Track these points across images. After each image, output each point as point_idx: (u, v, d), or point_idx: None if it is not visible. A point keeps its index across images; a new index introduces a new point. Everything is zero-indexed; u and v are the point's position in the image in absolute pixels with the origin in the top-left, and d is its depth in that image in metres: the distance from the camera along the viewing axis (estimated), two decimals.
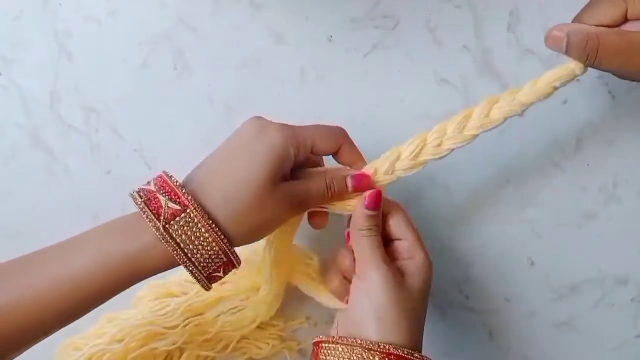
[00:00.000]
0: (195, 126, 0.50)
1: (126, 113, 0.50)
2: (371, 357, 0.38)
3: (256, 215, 0.38)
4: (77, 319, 0.38)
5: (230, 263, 0.39)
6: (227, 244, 0.38)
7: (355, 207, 0.42)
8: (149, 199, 0.37)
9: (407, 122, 0.50)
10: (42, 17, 0.50)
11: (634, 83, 0.49)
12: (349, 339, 0.39)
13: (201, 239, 0.37)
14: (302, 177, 0.41)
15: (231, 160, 0.39)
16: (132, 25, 0.50)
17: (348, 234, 0.43)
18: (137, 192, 0.38)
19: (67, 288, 0.36)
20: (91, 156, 0.50)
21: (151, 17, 0.50)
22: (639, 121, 0.50)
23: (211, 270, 0.38)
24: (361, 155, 0.43)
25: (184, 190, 0.37)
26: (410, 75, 0.50)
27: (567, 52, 0.40)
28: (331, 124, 0.43)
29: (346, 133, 0.43)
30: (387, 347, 0.38)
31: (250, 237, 0.39)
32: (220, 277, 0.39)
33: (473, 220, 0.51)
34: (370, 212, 0.41)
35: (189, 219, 0.37)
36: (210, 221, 0.37)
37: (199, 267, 0.38)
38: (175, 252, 0.37)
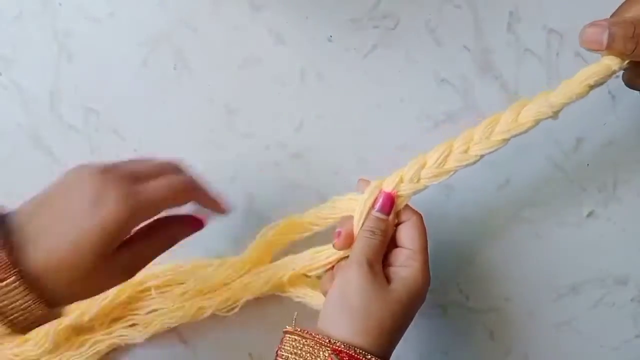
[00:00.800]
0: (195, 126, 0.50)
1: (126, 113, 0.50)
2: (320, 352, 0.37)
3: (81, 286, 0.36)
4: None
5: (51, 319, 0.36)
6: (46, 310, 0.35)
7: (365, 204, 0.42)
8: None
9: (407, 122, 0.50)
10: (42, 17, 0.50)
11: None
12: (306, 332, 0.38)
13: (21, 307, 0.34)
14: (141, 235, 0.39)
15: (61, 224, 0.35)
16: (132, 25, 0.50)
17: (338, 232, 0.42)
18: None
19: None
20: (91, 156, 0.50)
21: (151, 17, 0.50)
22: (639, 121, 0.50)
23: (29, 325, 0.35)
24: (215, 201, 0.42)
25: (6, 257, 0.33)
26: (410, 75, 0.50)
27: (610, 46, 0.37)
28: (180, 176, 0.40)
29: (193, 182, 0.40)
30: (337, 343, 0.37)
31: (71, 302, 0.37)
32: (38, 326, 0.36)
33: (473, 220, 0.51)
34: (380, 215, 0.41)
35: (8, 290, 0.33)
36: (30, 290, 0.34)
37: (17, 327, 0.35)
38: None
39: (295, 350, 0.38)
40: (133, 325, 0.48)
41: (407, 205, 0.43)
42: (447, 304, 0.52)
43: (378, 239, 0.41)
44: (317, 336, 0.37)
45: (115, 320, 0.48)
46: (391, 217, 0.42)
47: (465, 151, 0.41)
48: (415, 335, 0.51)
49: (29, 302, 0.34)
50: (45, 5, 0.50)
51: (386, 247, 0.42)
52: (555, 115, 0.40)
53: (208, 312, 0.47)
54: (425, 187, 0.42)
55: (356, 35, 0.50)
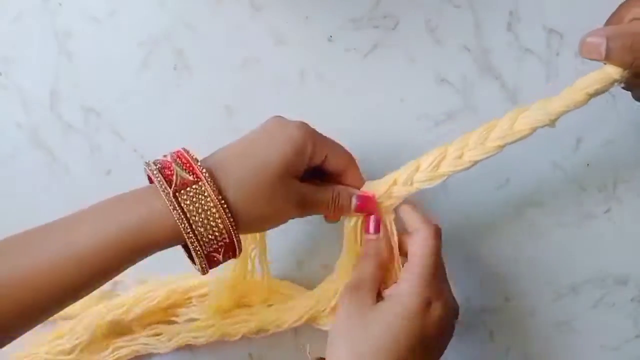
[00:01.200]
0: (195, 126, 0.50)
1: (126, 113, 0.50)
2: None
3: (265, 203, 0.38)
4: (80, 299, 0.37)
5: (232, 247, 0.39)
6: (233, 225, 0.37)
7: (354, 231, 0.44)
8: (163, 167, 0.37)
9: (407, 122, 0.50)
10: (42, 17, 0.50)
11: None
12: None
13: (208, 213, 0.37)
14: (317, 183, 0.42)
15: (251, 145, 0.40)
16: (132, 25, 0.50)
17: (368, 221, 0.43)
18: (152, 161, 0.38)
19: (71, 264, 0.35)
20: (91, 156, 0.50)
21: (151, 17, 0.50)
22: (639, 121, 0.50)
23: (212, 249, 0.38)
24: (364, 183, 0.44)
25: (199, 164, 0.37)
26: (410, 75, 0.50)
27: (609, 58, 0.37)
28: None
29: (355, 160, 0.43)
30: None
31: (254, 224, 0.40)
32: (219, 262, 0.39)
33: (473, 220, 0.51)
34: (370, 237, 0.43)
35: (200, 192, 0.37)
36: (220, 197, 0.37)
37: (201, 242, 0.37)
38: (180, 220, 0.36)
39: None
40: (157, 335, 0.48)
41: (420, 215, 0.42)
42: None
43: (370, 260, 0.42)
44: None
45: (152, 324, 0.49)
46: (382, 233, 0.43)
47: (459, 157, 0.41)
48: None
49: (218, 208, 0.37)
50: (45, 5, 0.50)
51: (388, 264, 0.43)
52: (552, 123, 0.39)
53: (238, 336, 0.48)
54: (418, 190, 0.42)
55: (356, 35, 0.50)
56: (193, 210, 0.36)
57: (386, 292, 0.41)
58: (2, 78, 0.50)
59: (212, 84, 0.50)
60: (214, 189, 0.37)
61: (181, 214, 0.36)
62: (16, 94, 0.50)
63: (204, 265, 0.38)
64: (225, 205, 0.37)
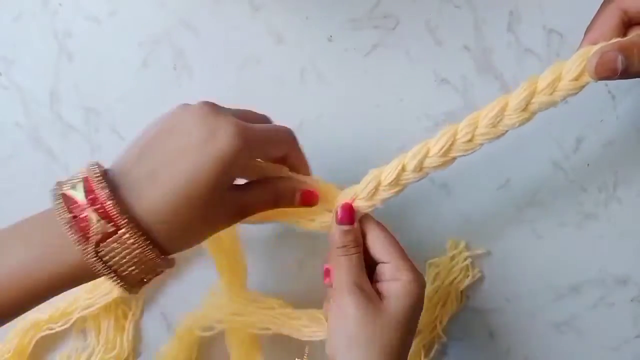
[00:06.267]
0: None
1: (126, 113, 0.50)
2: None
3: (196, 227, 0.35)
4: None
5: (162, 271, 0.36)
6: (161, 259, 0.34)
7: (331, 224, 0.40)
8: (75, 216, 0.33)
9: (407, 122, 0.50)
10: (42, 17, 0.50)
11: (634, 83, 0.49)
12: None
13: (135, 258, 0.33)
14: (255, 183, 0.39)
15: (172, 164, 0.34)
16: (132, 25, 0.50)
17: (326, 269, 0.41)
18: (62, 196, 0.33)
19: None
20: (91, 156, 0.50)
21: (151, 17, 0.50)
22: (639, 121, 0.50)
23: (139, 278, 0.35)
24: (306, 162, 0.41)
25: (117, 207, 0.32)
26: (410, 75, 0.50)
27: (628, 71, 0.36)
28: (279, 124, 0.41)
29: (294, 136, 0.40)
30: None
31: (187, 246, 0.37)
32: (149, 281, 0.36)
33: (473, 220, 0.51)
34: (344, 228, 0.40)
35: (121, 241, 0.33)
36: (145, 238, 0.33)
37: (128, 279, 0.34)
38: (105, 271, 0.33)
39: None
40: None
41: (368, 216, 0.41)
42: None
43: (353, 252, 0.39)
44: None
45: None
46: (356, 224, 0.40)
47: (419, 165, 0.40)
48: None
49: (144, 251, 0.33)
50: (45, 5, 0.50)
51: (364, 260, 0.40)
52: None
53: None
54: (404, 187, 0.41)
55: (356, 35, 0.50)
56: (118, 261, 0.33)
57: (384, 289, 0.39)
58: (2, 78, 0.50)
59: (212, 84, 0.50)
60: (138, 235, 0.33)
61: (105, 267, 0.33)
62: (16, 94, 0.50)
63: (134, 292, 0.36)
64: (150, 246, 0.33)
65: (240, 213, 0.38)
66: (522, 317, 0.52)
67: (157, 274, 0.36)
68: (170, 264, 0.36)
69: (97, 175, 0.34)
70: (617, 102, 0.50)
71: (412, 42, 0.50)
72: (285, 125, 0.41)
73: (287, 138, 0.40)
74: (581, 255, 0.51)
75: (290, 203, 0.40)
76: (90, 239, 0.32)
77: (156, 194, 0.33)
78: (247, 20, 0.50)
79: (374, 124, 0.50)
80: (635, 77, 0.38)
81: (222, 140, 0.34)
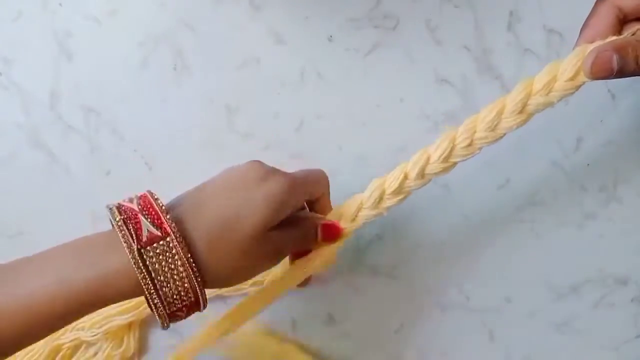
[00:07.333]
0: (195, 126, 0.50)
1: (126, 113, 0.50)
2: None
3: (239, 261, 0.36)
4: (32, 343, 0.35)
5: (197, 304, 0.36)
6: (200, 284, 0.35)
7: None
8: (128, 217, 0.34)
9: (407, 122, 0.50)
10: (42, 17, 0.50)
11: (634, 82, 0.49)
12: None
13: (175, 272, 0.34)
14: (287, 222, 0.39)
15: (227, 198, 0.36)
16: (132, 25, 0.50)
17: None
18: (117, 206, 0.35)
19: (23, 311, 0.33)
20: (91, 156, 0.50)
21: (151, 17, 0.50)
22: (639, 121, 0.50)
23: (176, 308, 0.35)
24: (331, 206, 0.43)
25: (168, 216, 0.35)
26: (410, 75, 0.50)
27: (623, 70, 0.36)
28: (316, 168, 0.43)
29: (328, 180, 0.43)
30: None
31: (225, 282, 0.38)
32: (182, 318, 0.37)
33: (473, 220, 0.51)
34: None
35: (167, 249, 0.34)
36: (189, 255, 0.34)
37: (165, 302, 0.35)
38: (144, 280, 0.34)
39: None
40: None
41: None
42: (447, 304, 0.52)
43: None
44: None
45: None
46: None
47: (419, 173, 0.41)
48: (415, 335, 0.51)
49: (184, 264, 0.34)
50: (45, 5, 0.50)
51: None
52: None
53: None
54: (410, 193, 0.42)
55: (356, 35, 0.50)
56: (159, 270, 0.34)
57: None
58: (2, 78, 0.50)
59: (212, 84, 0.50)
60: (183, 246, 0.34)
61: (145, 273, 0.34)
62: (16, 94, 0.50)
63: (165, 323, 0.36)
64: (194, 265, 0.34)
65: (278, 255, 0.39)
66: (522, 317, 0.52)
67: (190, 308, 0.36)
68: (205, 302, 0.36)
69: (154, 195, 0.36)
70: (617, 101, 0.50)
71: (412, 42, 0.50)
72: (319, 168, 0.43)
73: (324, 178, 0.43)
74: (581, 255, 0.51)
75: (313, 240, 0.41)
76: (139, 238, 0.34)
77: (208, 218, 0.36)
78: (247, 20, 0.50)
79: (374, 124, 0.50)
80: (631, 76, 0.38)
81: (271, 184, 0.37)
